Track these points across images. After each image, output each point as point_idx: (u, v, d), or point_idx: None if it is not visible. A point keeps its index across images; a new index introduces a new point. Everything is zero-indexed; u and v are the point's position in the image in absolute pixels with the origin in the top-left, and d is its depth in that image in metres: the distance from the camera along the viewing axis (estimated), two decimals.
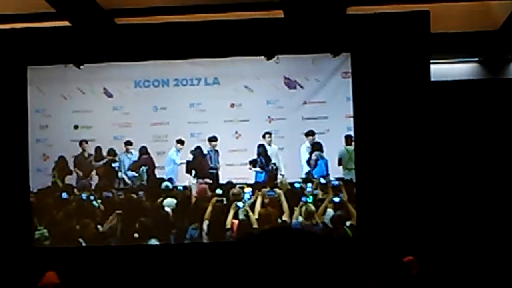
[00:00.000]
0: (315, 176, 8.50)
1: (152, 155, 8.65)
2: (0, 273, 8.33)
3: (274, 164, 8.55)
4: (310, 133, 8.49)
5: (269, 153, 8.53)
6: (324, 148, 8.49)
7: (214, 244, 8.33)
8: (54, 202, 8.59)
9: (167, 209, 8.48)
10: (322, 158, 8.53)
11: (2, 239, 8.42)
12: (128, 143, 8.63)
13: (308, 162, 8.53)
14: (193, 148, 8.61)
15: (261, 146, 8.55)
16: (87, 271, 8.18)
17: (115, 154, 8.68)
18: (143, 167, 8.65)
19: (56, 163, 8.63)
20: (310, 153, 8.52)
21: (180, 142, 8.59)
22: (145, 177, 8.64)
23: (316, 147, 8.53)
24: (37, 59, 8.58)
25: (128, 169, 8.66)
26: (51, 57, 8.56)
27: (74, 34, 8.64)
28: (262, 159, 8.57)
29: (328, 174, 8.48)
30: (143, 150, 8.66)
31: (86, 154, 8.65)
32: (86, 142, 8.65)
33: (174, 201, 8.49)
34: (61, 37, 8.56)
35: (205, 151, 8.59)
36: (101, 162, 8.67)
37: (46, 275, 6.59)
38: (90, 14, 8.50)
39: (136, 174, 8.65)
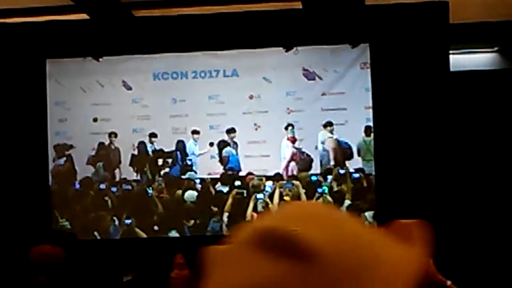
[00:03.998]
0: (230, 173, 8.56)
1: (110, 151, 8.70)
2: (20, 268, 8.37)
3: (190, 159, 8.59)
4: (328, 124, 8.49)
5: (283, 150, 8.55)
6: (339, 138, 8.50)
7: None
8: (75, 194, 8.66)
9: (188, 201, 8.51)
10: (233, 154, 8.57)
11: (22, 232, 8.45)
12: (153, 135, 8.65)
13: (220, 161, 8.59)
14: (136, 143, 8.66)
15: (180, 141, 8.62)
16: (109, 264, 8.20)
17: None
18: (99, 163, 8.67)
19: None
20: (220, 151, 8.59)
21: (196, 132, 8.60)
22: (101, 172, 8.66)
23: (223, 144, 8.57)
24: (56, 52, 8.61)
25: (87, 164, 8.69)
26: (69, 50, 8.58)
27: (93, 27, 8.66)
28: (179, 154, 8.62)
29: (240, 169, 8.55)
30: (101, 146, 8.68)
31: (113, 147, 8.68)
32: (116, 135, 8.68)
33: (195, 193, 8.52)
34: (79, 30, 8.58)
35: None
36: (62, 160, 8.67)
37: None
38: (108, 6, 8.51)
39: (93, 169, 8.68)
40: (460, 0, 8.30)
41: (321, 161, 8.52)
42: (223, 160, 8.59)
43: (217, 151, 8.61)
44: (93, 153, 8.69)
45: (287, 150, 8.52)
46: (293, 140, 8.52)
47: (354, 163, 8.48)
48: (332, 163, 8.50)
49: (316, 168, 8.53)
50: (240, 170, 8.57)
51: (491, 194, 8.92)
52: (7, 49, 8.55)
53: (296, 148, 8.53)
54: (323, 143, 8.52)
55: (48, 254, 3.81)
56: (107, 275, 7.87)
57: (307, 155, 8.52)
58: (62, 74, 8.70)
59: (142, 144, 8.68)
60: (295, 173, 8.50)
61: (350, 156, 8.49)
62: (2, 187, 8.52)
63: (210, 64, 8.60)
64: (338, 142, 8.50)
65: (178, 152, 8.65)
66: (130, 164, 8.67)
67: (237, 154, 8.58)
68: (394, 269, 0.94)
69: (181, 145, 8.64)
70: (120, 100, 8.70)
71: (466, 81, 9.02)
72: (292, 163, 8.52)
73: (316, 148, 8.53)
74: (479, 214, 8.83)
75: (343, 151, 8.50)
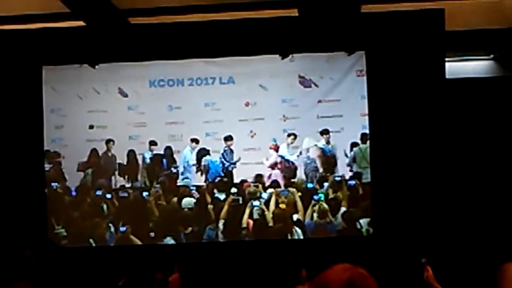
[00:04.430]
0: (210, 180, 8.56)
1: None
2: (15, 274, 8.35)
3: (177, 167, 8.60)
4: (324, 132, 8.49)
5: (286, 156, 8.53)
6: (336, 145, 8.50)
7: (230, 243, 8.36)
8: (70, 201, 8.65)
9: (185, 208, 8.49)
10: (213, 161, 8.57)
11: (18, 238, 8.43)
12: (153, 143, 8.64)
13: (199, 169, 8.59)
14: (126, 152, 8.65)
15: (167, 148, 8.61)
16: (104, 271, 8.20)
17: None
18: (89, 170, 8.66)
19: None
20: (198, 160, 8.59)
21: (195, 141, 8.60)
22: (89, 179, 8.65)
23: (202, 152, 8.58)
24: (52, 59, 8.62)
25: (77, 170, 8.68)
26: (66, 57, 8.59)
27: (89, 34, 8.66)
28: (165, 161, 8.64)
29: (224, 175, 8.54)
30: (94, 153, 8.67)
31: (109, 154, 8.67)
32: (113, 142, 8.67)
33: (193, 200, 8.51)
34: (76, 37, 8.59)
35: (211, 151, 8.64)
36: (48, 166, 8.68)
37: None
38: (104, 14, 8.51)
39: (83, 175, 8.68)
40: (456, 7, 8.32)
41: (305, 169, 8.53)
42: (203, 170, 8.58)
43: (215, 158, 8.61)
44: (85, 159, 8.69)
45: (271, 158, 8.53)
46: (276, 149, 8.53)
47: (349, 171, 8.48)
48: (321, 170, 8.50)
49: (300, 175, 8.53)
50: (224, 176, 8.56)
51: (487, 199, 8.92)
52: (4, 56, 8.55)
53: (280, 156, 8.54)
54: (307, 150, 8.53)
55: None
56: (102, 281, 7.87)
57: (292, 163, 8.53)
58: (58, 81, 8.70)
59: (132, 152, 8.66)
60: (279, 180, 8.50)
61: (335, 164, 8.50)
62: None
63: (206, 71, 8.60)
64: (322, 150, 8.51)
65: (164, 159, 8.64)
66: (119, 174, 8.67)
67: (217, 160, 8.57)
68: None
69: (168, 151, 8.64)
70: (116, 107, 8.70)
71: (462, 88, 9.03)
72: (277, 171, 8.53)
73: (300, 154, 8.53)
74: (475, 220, 8.82)
75: (327, 159, 8.51)
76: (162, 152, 8.65)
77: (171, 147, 8.63)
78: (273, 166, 8.53)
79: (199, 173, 8.61)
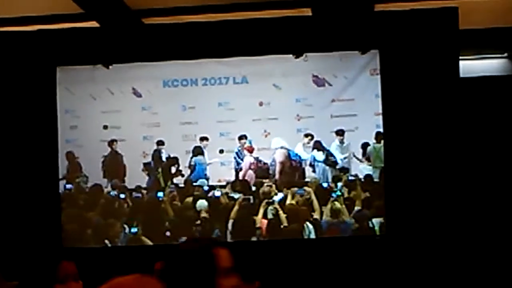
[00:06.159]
0: (193, 181, 8.58)
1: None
2: (29, 274, 8.37)
3: (162, 170, 8.63)
4: (339, 132, 8.48)
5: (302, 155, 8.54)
6: (350, 145, 8.49)
7: (239, 243, 8.34)
8: (84, 202, 8.68)
9: (201, 210, 8.48)
10: (201, 164, 8.57)
11: (32, 239, 8.46)
12: (160, 142, 8.65)
13: (189, 166, 8.60)
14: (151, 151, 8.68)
15: (156, 151, 8.63)
16: (119, 272, 8.19)
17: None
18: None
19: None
20: (191, 158, 8.60)
21: (205, 139, 8.61)
22: (104, 179, 8.72)
23: (198, 150, 8.59)
24: (66, 59, 8.63)
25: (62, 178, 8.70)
26: (80, 58, 8.60)
27: (103, 34, 8.68)
28: (152, 164, 8.66)
29: (208, 179, 8.57)
30: (70, 155, 8.68)
31: (114, 153, 8.68)
32: (116, 141, 8.68)
33: (206, 203, 8.50)
34: (89, 37, 8.60)
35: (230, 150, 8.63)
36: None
37: (64, 265, 6.54)
38: (118, 14, 8.54)
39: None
40: (469, 6, 8.30)
41: (274, 170, 8.57)
42: (190, 167, 8.60)
43: (229, 159, 8.62)
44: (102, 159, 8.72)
45: (245, 159, 8.54)
46: (251, 150, 8.54)
47: (364, 169, 8.46)
48: (277, 176, 8.53)
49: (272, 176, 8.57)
50: (207, 179, 8.59)
51: (502, 199, 8.88)
52: (18, 57, 8.57)
53: (254, 158, 8.55)
54: (274, 152, 8.55)
55: None
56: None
57: (264, 163, 8.54)
58: (72, 81, 8.72)
59: (156, 152, 8.69)
60: (252, 181, 8.51)
61: (301, 172, 8.54)
62: (13, 194, 8.53)
63: (220, 71, 8.61)
64: (288, 154, 8.50)
65: (152, 162, 8.66)
66: (103, 175, 8.68)
67: (204, 163, 8.59)
68: None
69: (156, 154, 8.64)
70: (130, 107, 8.72)
71: (476, 87, 9.00)
72: (250, 172, 8.54)
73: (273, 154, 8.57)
74: (489, 221, 8.79)
75: (290, 164, 8.50)
76: (176, 154, 8.66)
77: (160, 150, 8.64)
78: (247, 167, 8.54)
79: (214, 172, 8.62)
